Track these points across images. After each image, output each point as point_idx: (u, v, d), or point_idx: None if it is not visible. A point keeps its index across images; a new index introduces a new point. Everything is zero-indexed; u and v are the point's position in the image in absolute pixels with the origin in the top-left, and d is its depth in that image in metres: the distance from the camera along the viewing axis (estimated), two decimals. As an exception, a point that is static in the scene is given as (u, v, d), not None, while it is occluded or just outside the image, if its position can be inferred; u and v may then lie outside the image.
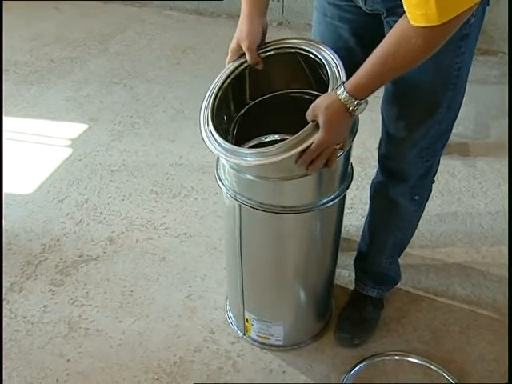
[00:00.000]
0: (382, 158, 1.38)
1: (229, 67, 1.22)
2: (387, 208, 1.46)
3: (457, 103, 1.23)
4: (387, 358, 1.55)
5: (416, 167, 1.33)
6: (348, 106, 1.03)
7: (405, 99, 1.22)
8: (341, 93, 1.03)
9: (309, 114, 1.07)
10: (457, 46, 1.10)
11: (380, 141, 1.37)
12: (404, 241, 1.55)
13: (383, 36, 1.01)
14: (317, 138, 1.05)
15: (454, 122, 1.29)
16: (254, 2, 1.19)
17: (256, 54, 1.19)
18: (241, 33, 1.18)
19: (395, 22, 0.98)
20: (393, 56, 0.98)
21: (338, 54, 1.13)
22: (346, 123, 1.07)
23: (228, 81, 1.21)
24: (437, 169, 1.40)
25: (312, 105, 1.07)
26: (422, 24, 0.90)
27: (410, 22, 0.92)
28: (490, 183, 2.13)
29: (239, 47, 1.20)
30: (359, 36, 1.24)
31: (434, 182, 1.43)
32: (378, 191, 1.47)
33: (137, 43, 3.06)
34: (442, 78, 1.15)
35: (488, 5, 1.12)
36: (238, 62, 1.22)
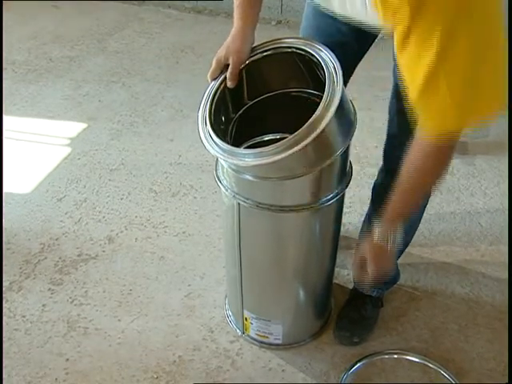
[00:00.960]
0: (388, 160, 1.37)
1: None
2: None
3: None
4: (386, 356, 1.55)
5: None
6: (383, 244, 1.16)
7: None
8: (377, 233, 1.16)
9: (358, 257, 1.22)
10: None
11: (385, 143, 1.35)
12: (404, 244, 1.55)
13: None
14: (369, 271, 1.20)
15: None
16: (249, 18, 1.20)
17: (238, 71, 1.21)
18: (232, 47, 1.19)
19: None
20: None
21: (333, 48, 1.13)
22: (388, 253, 1.19)
23: (225, 82, 1.21)
24: None
25: (358, 251, 1.23)
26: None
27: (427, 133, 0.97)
28: (489, 181, 2.13)
29: (226, 59, 1.20)
30: (357, 30, 1.23)
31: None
32: (382, 194, 1.45)
33: (135, 42, 3.06)
34: None
35: None
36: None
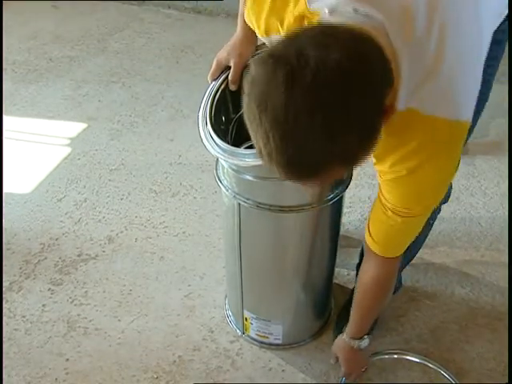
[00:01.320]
0: None
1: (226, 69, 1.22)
2: None
3: (480, 109, 1.22)
4: (386, 356, 1.55)
5: None
6: (353, 346, 1.33)
7: None
8: (347, 339, 1.34)
9: (333, 353, 1.42)
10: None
11: None
12: (409, 259, 1.57)
13: None
14: (341, 370, 1.41)
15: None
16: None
17: (240, 73, 1.21)
18: (234, 50, 1.20)
19: None
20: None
21: None
22: (358, 356, 1.38)
23: (225, 82, 1.21)
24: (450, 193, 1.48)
25: (333, 347, 1.42)
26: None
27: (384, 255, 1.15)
28: (489, 182, 2.13)
29: (227, 61, 1.20)
30: None
31: (446, 202, 1.46)
32: None
33: (136, 42, 3.06)
34: None
35: None
36: None
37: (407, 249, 1.49)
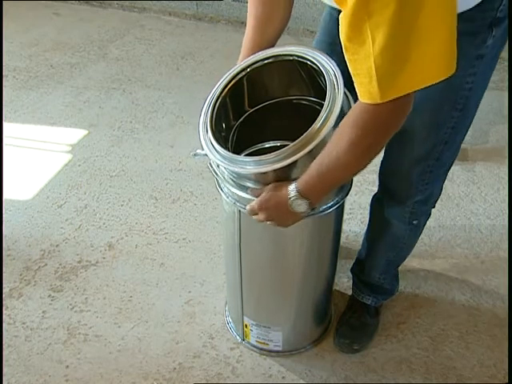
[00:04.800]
0: (383, 176, 1.36)
1: (227, 76, 1.22)
2: (382, 227, 1.44)
3: (464, 126, 1.19)
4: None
5: (416, 189, 1.28)
6: (289, 197, 1.06)
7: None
8: (291, 187, 1.06)
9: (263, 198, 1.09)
10: (470, 65, 1.05)
11: (382, 159, 1.35)
12: (398, 260, 1.54)
13: None
14: (255, 202, 1.10)
15: (459, 148, 1.25)
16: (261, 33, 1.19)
17: None
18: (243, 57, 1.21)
19: None
20: (328, 151, 0.99)
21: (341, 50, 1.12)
22: (284, 213, 1.09)
23: (226, 89, 1.22)
24: (439, 196, 1.36)
25: (270, 187, 1.09)
26: (367, 100, 0.88)
27: (359, 98, 0.90)
28: (489, 188, 2.14)
29: None
30: None
31: (434, 207, 1.39)
32: (376, 209, 1.46)
33: (136, 49, 3.07)
34: (450, 95, 1.11)
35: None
36: (236, 71, 1.22)
37: (393, 252, 1.49)
